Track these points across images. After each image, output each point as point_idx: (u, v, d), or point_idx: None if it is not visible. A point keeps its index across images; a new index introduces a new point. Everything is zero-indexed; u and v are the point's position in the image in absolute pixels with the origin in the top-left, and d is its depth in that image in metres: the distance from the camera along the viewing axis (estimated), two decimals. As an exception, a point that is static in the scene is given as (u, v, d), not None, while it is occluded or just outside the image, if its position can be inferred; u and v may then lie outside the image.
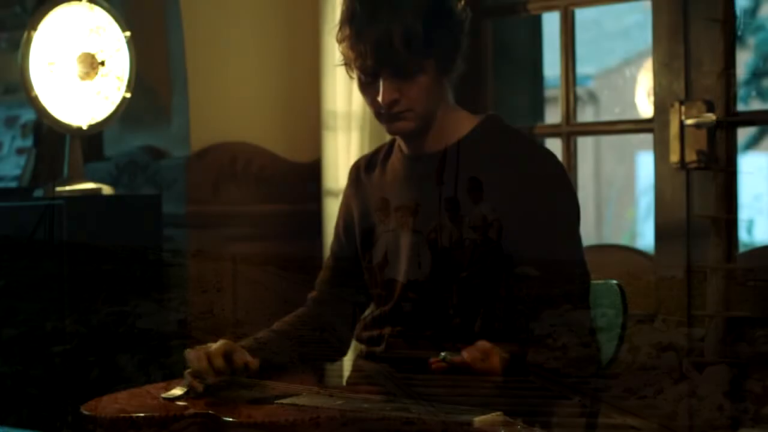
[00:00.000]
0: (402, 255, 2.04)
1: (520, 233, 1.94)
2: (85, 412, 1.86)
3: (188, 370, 1.98)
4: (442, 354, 1.76)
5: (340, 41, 1.98)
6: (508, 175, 1.96)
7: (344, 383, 2.19)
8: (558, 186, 1.97)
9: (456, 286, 1.97)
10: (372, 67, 1.94)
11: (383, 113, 1.98)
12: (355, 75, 1.99)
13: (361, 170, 2.18)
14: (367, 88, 1.99)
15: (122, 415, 1.83)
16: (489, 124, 2.05)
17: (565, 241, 1.96)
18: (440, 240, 1.99)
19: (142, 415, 1.82)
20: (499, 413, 1.60)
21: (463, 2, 2.00)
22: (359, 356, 2.12)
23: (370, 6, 1.93)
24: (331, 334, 2.22)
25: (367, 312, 2.29)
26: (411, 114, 1.98)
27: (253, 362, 2.00)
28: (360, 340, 2.13)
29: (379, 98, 1.95)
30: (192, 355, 1.97)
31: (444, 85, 2.02)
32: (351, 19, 1.95)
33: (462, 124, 2.05)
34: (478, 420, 1.58)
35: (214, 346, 1.99)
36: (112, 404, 1.89)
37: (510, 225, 1.94)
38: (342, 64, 2.02)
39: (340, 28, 1.98)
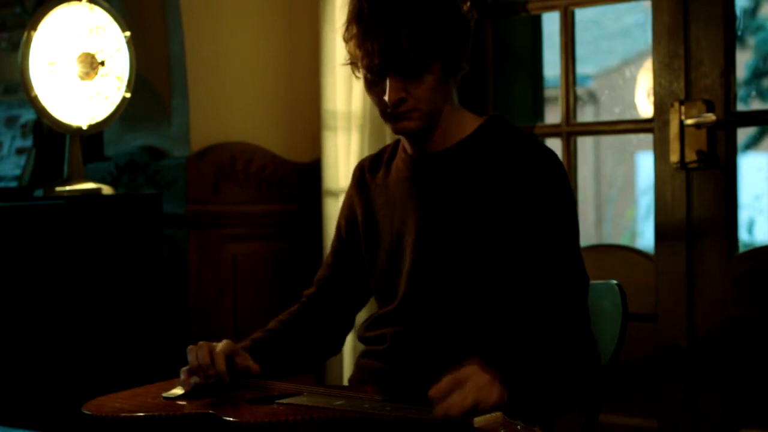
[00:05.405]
0: (406, 256, 2.04)
1: (521, 233, 1.94)
2: (86, 412, 1.86)
3: (184, 368, 1.98)
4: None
5: (347, 40, 1.98)
6: (509, 176, 1.97)
7: (346, 382, 2.18)
8: (557, 188, 1.97)
9: (459, 286, 1.97)
10: (379, 66, 1.94)
11: (389, 112, 1.98)
12: (361, 74, 1.99)
13: (366, 171, 2.18)
14: (373, 87, 1.99)
15: (123, 414, 1.83)
16: (492, 125, 2.05)
17: (564, 241, 1.96)
18: (444, 240, 1.99)
19: (142, 414, 1.82)
20: (498, 413, 1.60)
21: (468, 4, 2.00)
22: (361, 355, 2.11)
23: (378, 5, 1.93)
24: (325, 332, 2.22)
25: (363, 312, 2.29)
26: (417, 113, 1.98)
27: (255, 367, 2.01)
28: (363, 340, 2.13)
29: (386, 97, 1.95)
30: (193, 351, 1.98)
31: (449, 86, 2.02)
32: (359, 17, 1.95)
33: (466, 124, 2.06)
34: (478, 420, 1.58)
35: (218, 345, 1.99)
36: (113, 403, 1.90)
37: (511, 226, 1.95)
38: (348, 63, 2.02)
39: (348, 27, 1.98)
